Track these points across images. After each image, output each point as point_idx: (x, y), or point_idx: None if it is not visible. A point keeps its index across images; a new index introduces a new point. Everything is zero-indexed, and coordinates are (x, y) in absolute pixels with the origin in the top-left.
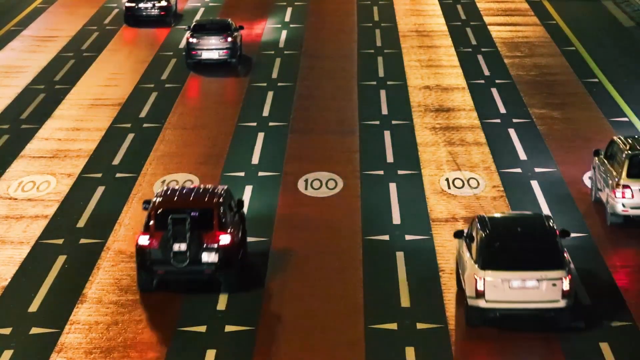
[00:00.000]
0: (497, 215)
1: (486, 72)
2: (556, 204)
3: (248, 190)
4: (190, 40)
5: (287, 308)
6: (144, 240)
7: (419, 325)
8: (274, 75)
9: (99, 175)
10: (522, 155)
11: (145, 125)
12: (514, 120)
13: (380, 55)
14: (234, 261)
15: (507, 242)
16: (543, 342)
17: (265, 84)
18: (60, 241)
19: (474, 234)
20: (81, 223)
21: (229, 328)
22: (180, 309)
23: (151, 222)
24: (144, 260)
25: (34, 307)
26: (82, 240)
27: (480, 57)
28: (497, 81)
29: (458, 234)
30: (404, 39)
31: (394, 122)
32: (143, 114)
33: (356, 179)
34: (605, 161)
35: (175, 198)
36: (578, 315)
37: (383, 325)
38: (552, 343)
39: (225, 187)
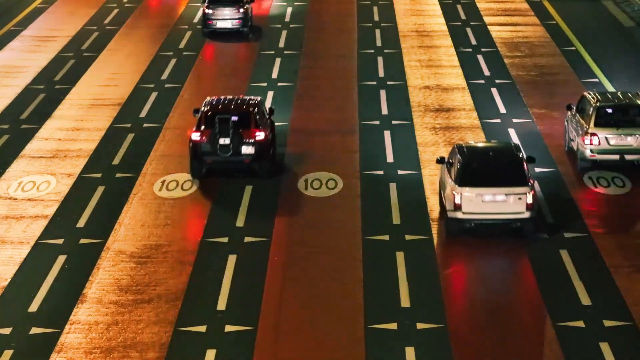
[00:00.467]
0: (473, 143)
1: (486, 72)
2: (556, 203)
3: (248, 191)
4: (207, 11)
5: (287, 308)
6: (196, 136)
7: (419, 325)
8: (274, 75)
9: (99, 175)
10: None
11: (145, 125)
12: (514, 120)
13: (380, 55)
14: (266, 153)
15: (481, 164)
16: (540, 339)
17: (265, 84)
18: (60, 241)
19: (453, 159)
20: (81, 223)
21: (229, 328)
22: (180, 308)
23: (202, 123)
24: (196, 151)
25: (34, 307)
26: (82, 240)
27: (480, 57)
28: (497, 81)
29: (440, 160)
30: (404, 39)
31: (394, 122)
32: (143, 114)
33: (356, 179)
34: (577, 114)
35: (220, 105)
36: (540, 226)
37: (383, 325)
38: (551, 343)
39: (259, 98)
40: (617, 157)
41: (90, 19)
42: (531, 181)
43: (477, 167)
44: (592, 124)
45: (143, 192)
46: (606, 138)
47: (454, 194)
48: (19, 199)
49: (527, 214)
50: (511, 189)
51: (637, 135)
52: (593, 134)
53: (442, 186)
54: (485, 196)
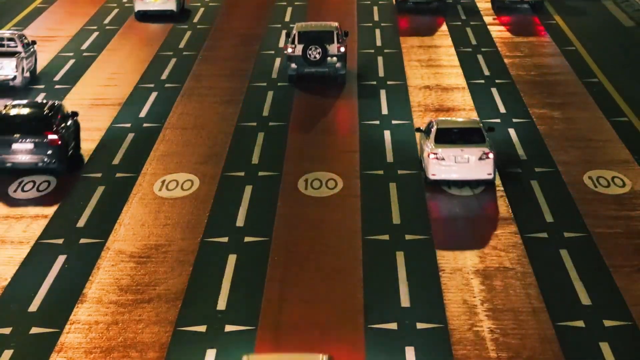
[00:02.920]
0: None
1: (486, 72)
2: (556, 203)
3: (248, 190)
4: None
5: (287, 308)
6: None
7: (419, 325)
8: (274, 75)
9: (99, 175)
10: (522, 155)
11: (145, 125)
12: (514, 120)
13: (380, 55)
14: None
15: None
16: (540, 339)
17: (265, 84)
18: (60, 241)
19: None
20: (81, 223)
21: (229, 328)
22: (180, 308)
23: None
24: None
25: (34, 307)
26: (82, 240)
27: (480, 57)
28: (497, 81)
29: None
30: (404, 39)
31: (394, 122)
32: (143, 114)
33: (356, 179)
34: None
35: None
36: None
37: (383, 325)
38: (551, 343)
39: None
40: None
41: (90, 19)
42: None
43: None
44: None
45: (143, 192)
46: None
47: None
48: (19, 199)
49: None
50: None
51: None
52: None
53: None
54: None
